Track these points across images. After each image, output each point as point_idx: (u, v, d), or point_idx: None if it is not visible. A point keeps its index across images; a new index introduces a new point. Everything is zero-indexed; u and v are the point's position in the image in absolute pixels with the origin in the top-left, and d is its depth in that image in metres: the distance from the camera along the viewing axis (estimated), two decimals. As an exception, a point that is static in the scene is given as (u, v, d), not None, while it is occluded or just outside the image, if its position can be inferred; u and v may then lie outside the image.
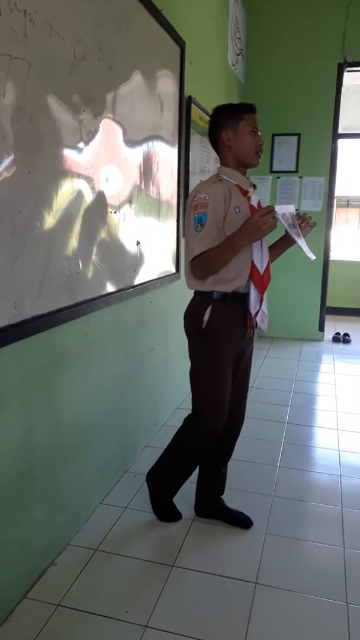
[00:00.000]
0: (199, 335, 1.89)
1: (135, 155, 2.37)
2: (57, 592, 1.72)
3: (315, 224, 1.99)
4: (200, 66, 3.37)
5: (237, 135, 1.84)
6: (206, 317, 1.86)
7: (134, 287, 2.43)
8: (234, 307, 1.88)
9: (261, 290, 1.89)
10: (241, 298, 1.89)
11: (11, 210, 1.46)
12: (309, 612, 1.68)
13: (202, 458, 2.07)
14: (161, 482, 2.13)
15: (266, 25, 4.87)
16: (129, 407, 2.52)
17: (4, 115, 1.39)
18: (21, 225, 1.51)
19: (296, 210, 1.92)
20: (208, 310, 1.86)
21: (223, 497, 2.19)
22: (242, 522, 2.10)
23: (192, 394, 1.97)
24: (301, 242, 1.90)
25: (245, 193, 1.88)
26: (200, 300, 1.90)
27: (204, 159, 3.61)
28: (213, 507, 2.14)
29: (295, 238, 1.87)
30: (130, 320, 2.49)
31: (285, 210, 1.82)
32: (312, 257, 1.97)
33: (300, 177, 5.05)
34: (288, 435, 3.01)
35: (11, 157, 1.44)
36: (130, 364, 2.53)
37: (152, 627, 1.59)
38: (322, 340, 5.27)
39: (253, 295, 1.89)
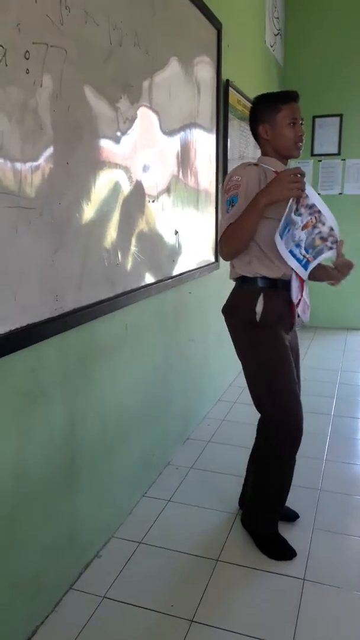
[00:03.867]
0: (253, 329, 1.76)
1: (173, 143, 2.32)
2: (103, 584, 1.72)
3: (354, 264, 1.84)
4: (237, 48, 3.28)
5: (275, 128, 1.74)
6: (259, 308, 1.74)
7: (172, 277, 2.40)
8: (283, 294, 1.77)
9: (300, 278, 1.76)
10: (288, 285, 1.78)
11: (50, 202, 1.45)
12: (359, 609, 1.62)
13: (292, 465, 1.86)
14: (261, 517, 1.92)
15: (305, 2, 4.69)
16: (170, 399, 2.50)
17: (41, 105, 1.37)
18: (60, 217, 1.50)
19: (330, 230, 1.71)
20: (260, 300, 1.75)
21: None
22: (287, 515, 2.05)
23: (259, 397, 1.81)
24: (295, 248, 1.67)
25: None
26: (247, 291, 1.79)
27: (243, 144, 3.52)
28: None
29: (291, 231, 1.64)
30: (169, 311, 2.46)
31: (317, 200, 1.63)
32: (304, 275, 1.74)
33: (343, 159, 4.87)
34: (334, 427, 2.92)
35: (49, 148, 1.43)
36: (170, 356, 2.50)
37: (198, 622, 1.57)
38: (368, 329, 5.10)
39: (295, 283, 1.77)
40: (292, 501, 2.12)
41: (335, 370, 3.91)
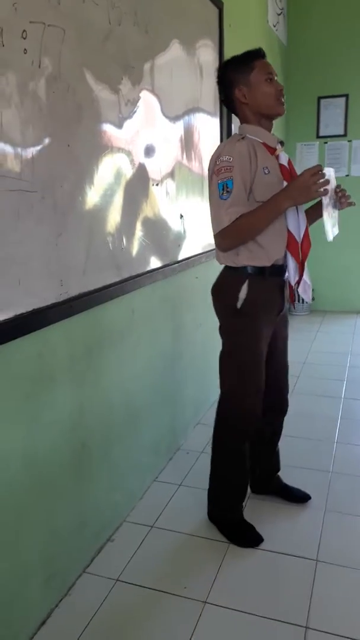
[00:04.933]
0: (234, 315, 1.71)
1: (176, 127, 2.29)
2: (116, 567, 1.73)
3: (355, 203, 1.77)
4: (239, 28, 3.21)
5: (252, 88, 1.64)
6: (242, 294, 1.67)
7: (178, 262, 2.38)
8: (272, 280, 1.71)
9: (298, 258, 1.69)
10: (279, 270, 1.71)
11: (52, 185, 1.43)
12: (375, 591, 1.61)
13: (246, 448, 1.86)
14: (220, 499, 1.90)
15: (308, -19, 4.60)
16: (179, 383, 2.50)
17: (40, 86, 1.36)
18: (63, 200, 1.48)
19: (337, 185, 1.72)
20: (244, 287, 1.67)
21: (279, 474, 2.13)
22: (299, 498, 2.05)
23: (223, 375, 1.81)
24: (328, 217, 1.67)
25: (272, 151, 1.69)
26: (234, 274, 1.71)
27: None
28: (270, 484, 2.09)
29: (325, 210, 1.64)
30: (176, 296, 2.45)
31: (330, 172, 1.60)
32: (331, 238, 1.73)
33: (350, 140, 4.79)
34: (345, 410, 2.90)
35: (49, 130, 1.41)
36: (178, 341, 2.49)
37: (211, 603, 1.58)
38: (378, 313, 5.05)
39: (291, 264, 1.70)
40: (304, 483, 2.11)
41: (345, 354, 3.88)
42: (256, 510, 2.01)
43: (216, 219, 1.62)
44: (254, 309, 1.69)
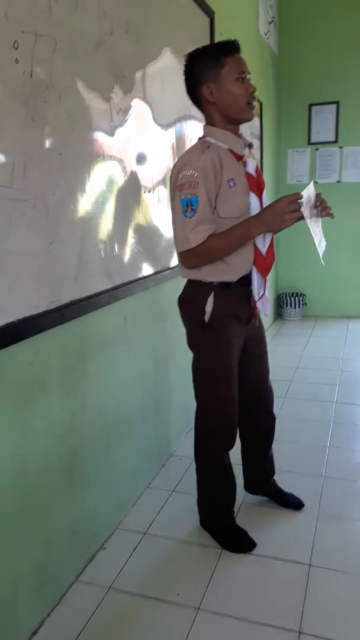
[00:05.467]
0: (203, 328, 1.66)
1: (167, 135, 2.30)
2: (108, 575, 1.73)
3: (334, 216, 1.65)
4: (231, 37, 3.23)
5: (221, 87, 1.51)
6: (209, 307, 1.62)
7: (170, 269, 2.39)
8: (238, 290, 1.66)
9: (265, 273, 1.65)
10: (245, 281, 1.66)
11: (44, 193, 1.44)
12: (367, 595, 1.62)
13: (228, 457, 1.84)
14: (209, 508, 1.89)
15: (298, -10, 4.65)
16: (172, 390, 2.50)
17: (32, 95, 1.36)
18: (54, 208, 1.49)
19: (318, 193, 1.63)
20: (210, 299, 1.62)
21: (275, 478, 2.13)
22: (293, 503, 2.05)
23: (196, 388, 1.78)
24: (314, 234, 1.60)
25: (239, 158, 1.59)
26: (198, 288, 1.65)
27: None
28: (265, 487, 2.08)
29: (311, 227, 1.58)
30: (168, 303, 2.45)
31: (307, 193, 1.51)
32: (322, 251, 1.69)
33: (341, 147, 4.83)
34: (337, 415, 2.91)
35: (41, 139, 1.42)
36: (171, 347, 2.49)
37: (204, 610, 1.57)
38: (369, 317, 5.09)
39: (256, 280, 1.65)
40: (297, 488, 2.12)
41: (337, 358, 3.90)
42: (249, 516, 2.01)
43: (181, 238, 1.54)
44: (221, 322, 1.65)
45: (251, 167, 1.61)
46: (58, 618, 1.56)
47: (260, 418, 1.95)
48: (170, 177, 1.59)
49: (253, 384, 1.88)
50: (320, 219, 1.66)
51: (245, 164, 1.60)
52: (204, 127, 1.62)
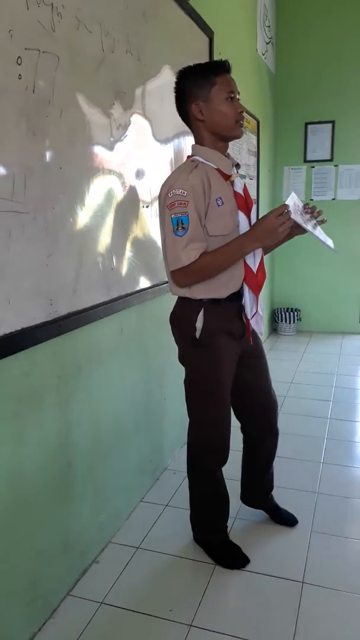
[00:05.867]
0: (194, 345, 1.65)
1: (166, 150, 2.34)
2: (101, 589, 1.71)
3: (325, 220, 1.71)
4: (229, 56, 3.28)
5: (210, 106, 1.54)
6: (199, 324, 1.62)
7: (167, 282, 2.39)
8: (228, 306, 1.66)
9: (257, 291, 1.66)
10: (234, 296, 1.66)
11: (44, 206, 1.45)
12: (358, 611, 1.61)
13: (217, 478, 1.83)
14: (202, 524, 1.90)
15: (296, 11, 4.75)
16: (167, 403, 2.50)
17: (34, 110, 1.39)
18: (54, 221, 1.51)
19: (306, 204, 1.68)
20: (200, 316, 1.62)
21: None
22: (287, 520, 2.04)
23: (189, 404, 1.78)
24: (318, 234, 1.64)
25: (227, 177, 1.61)
26: (188, 305, 1.65)
27: (236, 150, 3.55)
28: (262, 502, 2.07)
29: (311, 230, 1.61)
30: (165, 315, 2.45)
31: (292, 201, 1.54)
32: (332, 246, 1.70)
33: (336, 165, 4.91)
34: (331, 431, 2.92)
35: (42, 153, 1.44)
36: (168, 360, 2.49)
37: (196, 627, 1.56)
38: (364, 333, 5.12)
39: (248, 298, 1.65)
40: (290, 504, 2.12)
41: (332, 374, 3.91)
42: (242, 531, 2.00)
43: (173, 257, 1.55)
44: (212, 338, 1.65)
45: (239, 186, 1.64)
46: (49, 633, 1.54)
47: (262, 434, 1.92)
48: (159, 196, 1.60)
49: (254, 398, 1.86)
50: (315, 222, 1.69)
51: (233, 183, 1.63)
52: (193, 146, 1.65)
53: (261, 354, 1.87)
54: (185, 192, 1.50)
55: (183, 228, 1.50)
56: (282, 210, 1.48)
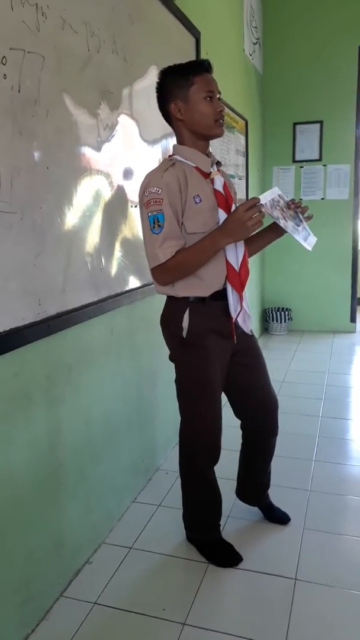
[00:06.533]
0: (182, 345, 1.66)
1: (154, 150, 2.34)
2: (94, 590, 1.71)
3: (312, 216, 1.71)
4: (216, 57, 3.31)
5: (190, 105, 1.54)
6: (185, 324, 1.63)
7: (158, 282, 2.40)
8: (214, 305, 1.65)
9: (240, 289, 1.65)
10: (220, 295, 1.65)
11: (31, 206, 1.45)
12: (351, 607, 1.61)
13: (209, 478, 1.84)
14: (195, 523, 1.90)
15: (283, 12, 4.78)
16: (159, 403, 2.50)
17: (20, 110, 1.38)
18: (41, 221, 1.50)
19: (291, 199, 1.68)
20: (186, 315, 1.63)
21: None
22: (280, 519, 2.05)
23: (179, 404, 1.78)
24: (296, 234, 1.63)
25: (206, 175, 1.61)
26: (174, 304, 1.67)
27: (224, 150, 3.56)
28: (258, 500, 2.07)
29: (287, 230, 1.60)
30: (155, 315, 2.45)
31: (271, 195, 1.54)
32: (309, 248, 1.69)
33: (324, 165, 4.93)
34: (323, 429, 2.93)
35: (29, 153, 1.44)
36: (158, 360, 2.49)
37: (190, 625, 1.56)
38: (355, 332, 5.13)
39: (232, 296, 1.64)
40: (283, 502, 2.12)
41: (323, 373, 3.93)
42: (235, 530, 2.01)
43: (151, 255, 1.56)
44: (200, 338, 1.65)
45: (219, 184, 1.64)
46: (42, 634, 1.53)
47: (262, 433, 1.91)
48: (138, 195, 1.61)
49: (254, 397, 1.84)
50: (300, 218, 1.68)
51: (213, 181, 1.63)
52: (174, 146, 1.66)
53: (257, 352, 1.87)
54: (160, 190, 1.51)
55: (159, 226, 1.51)
56: (252, 204, 1.46)
